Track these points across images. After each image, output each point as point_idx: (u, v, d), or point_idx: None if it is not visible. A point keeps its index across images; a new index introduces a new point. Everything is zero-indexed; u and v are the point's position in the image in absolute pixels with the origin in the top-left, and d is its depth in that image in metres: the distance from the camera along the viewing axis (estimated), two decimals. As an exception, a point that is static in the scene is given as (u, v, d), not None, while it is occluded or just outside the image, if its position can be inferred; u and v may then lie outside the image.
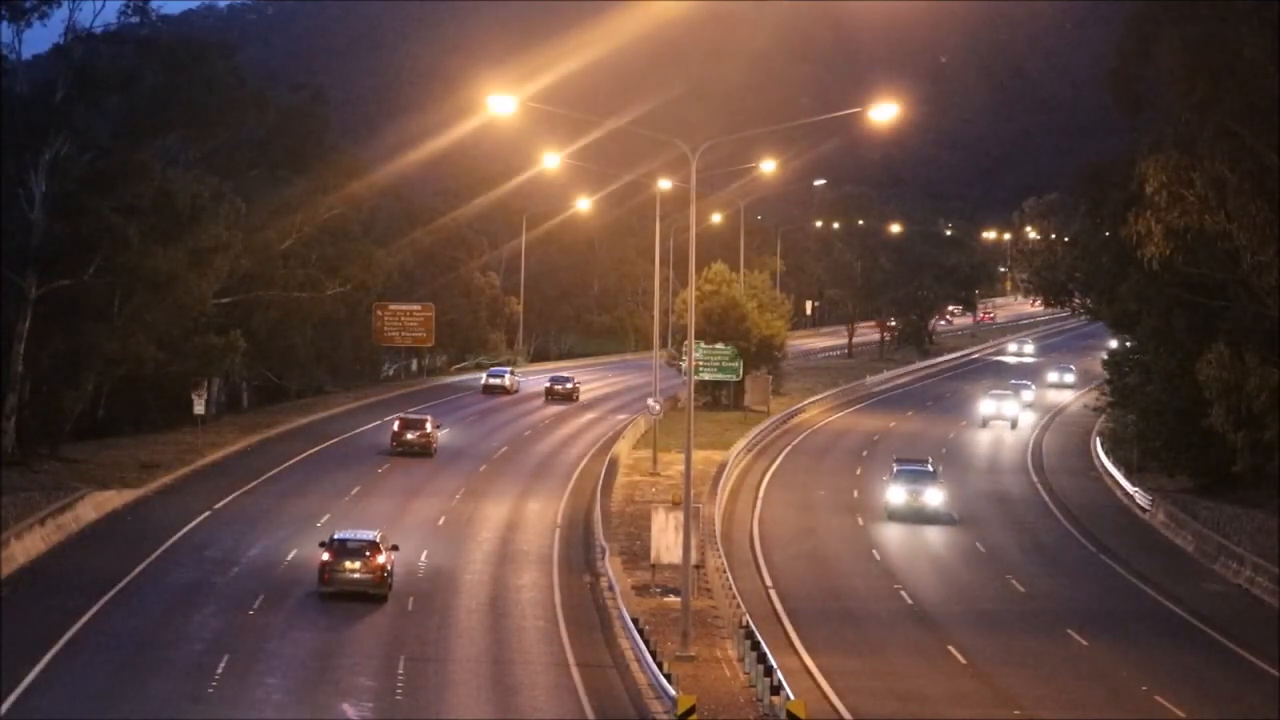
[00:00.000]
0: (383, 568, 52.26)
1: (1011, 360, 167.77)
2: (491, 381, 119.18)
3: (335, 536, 53.35)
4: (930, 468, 78.23)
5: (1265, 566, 61.44)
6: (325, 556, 52.30)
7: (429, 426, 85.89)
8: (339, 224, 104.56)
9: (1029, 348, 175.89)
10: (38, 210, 78.18)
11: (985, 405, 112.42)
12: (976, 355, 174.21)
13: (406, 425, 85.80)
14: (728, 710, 42.73)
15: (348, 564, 51.91)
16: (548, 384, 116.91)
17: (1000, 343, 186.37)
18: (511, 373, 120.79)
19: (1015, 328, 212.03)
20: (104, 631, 48.34)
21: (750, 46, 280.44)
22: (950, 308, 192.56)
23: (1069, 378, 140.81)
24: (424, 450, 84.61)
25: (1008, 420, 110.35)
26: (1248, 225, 61.74)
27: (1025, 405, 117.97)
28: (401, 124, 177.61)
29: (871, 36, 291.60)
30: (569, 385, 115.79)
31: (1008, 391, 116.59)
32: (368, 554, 52.11)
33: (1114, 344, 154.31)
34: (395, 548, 54.82)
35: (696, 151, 49.90)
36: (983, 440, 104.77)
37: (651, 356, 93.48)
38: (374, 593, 52.23)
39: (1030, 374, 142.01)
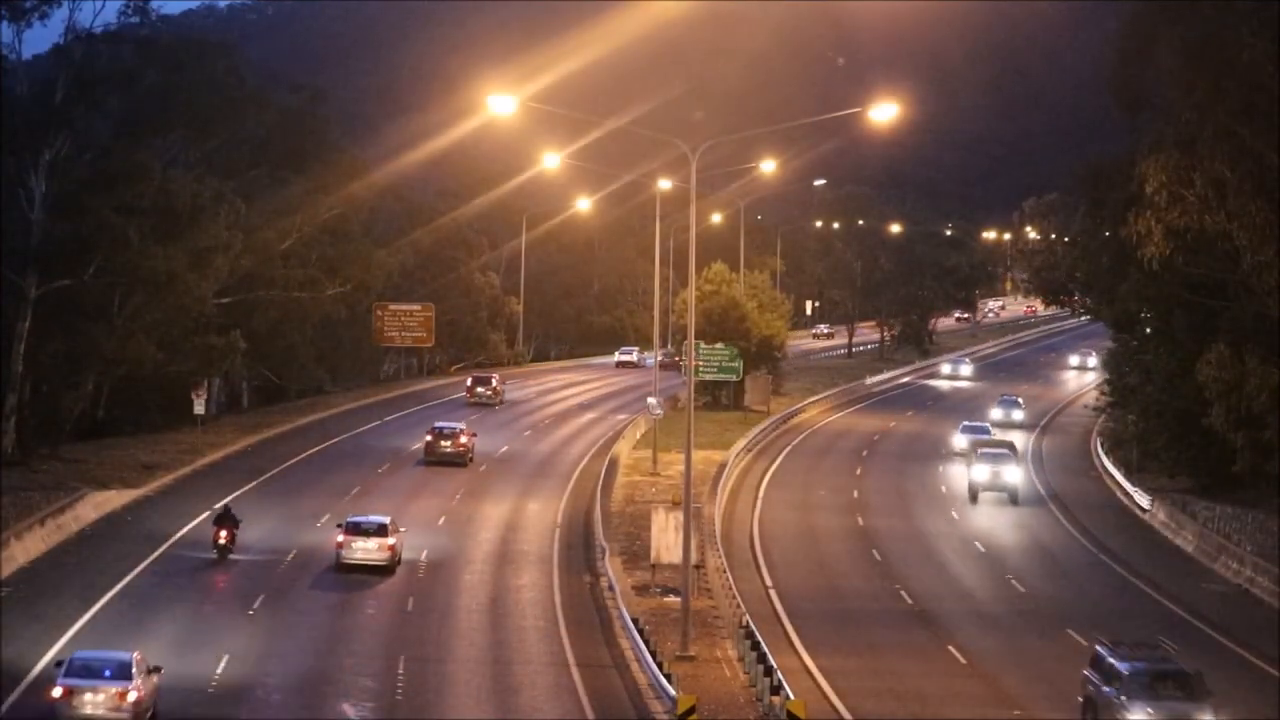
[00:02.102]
0: (392, 547, 57.70)
1: (945, 385, 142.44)
2: (622, 359, 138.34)
3: (350, 519, 59.01)
4: (1008, 450, 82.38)
5: (1265, 566, 61.46)
6: (340, 537, 57.83)
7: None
8: (339, 224, 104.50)
9: (965, 369, 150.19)
10: (38, 210, 78.17)
11: (977, 470, 79.99)
12: (907, 379, 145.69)
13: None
14: (728, 710, 42.75)
15: (360, 542, 57.32)
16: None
17: (948, 359, 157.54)
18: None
19: (1015, 327, 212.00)
20: (104, 631, 48.32)
21: (750, 46, 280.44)
22: (987, 304, 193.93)
23: (1017, 414, 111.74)
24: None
25: (1007, 490, 79.57)
26: (1248, 225, 61.71)
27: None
28: (401, 124, 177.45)
29: (871, 36, 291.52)
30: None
31: (1003, 450, 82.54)
32: (379, 534, 57.71)
33: (1075, 359, 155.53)
34: (401, 529, 59.90)
35: (696, 151, 49.91)
36: (997, 413, 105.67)
37: (652, 357, 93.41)
38: (383, 566, 57.29)
39: (969, 409, 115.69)
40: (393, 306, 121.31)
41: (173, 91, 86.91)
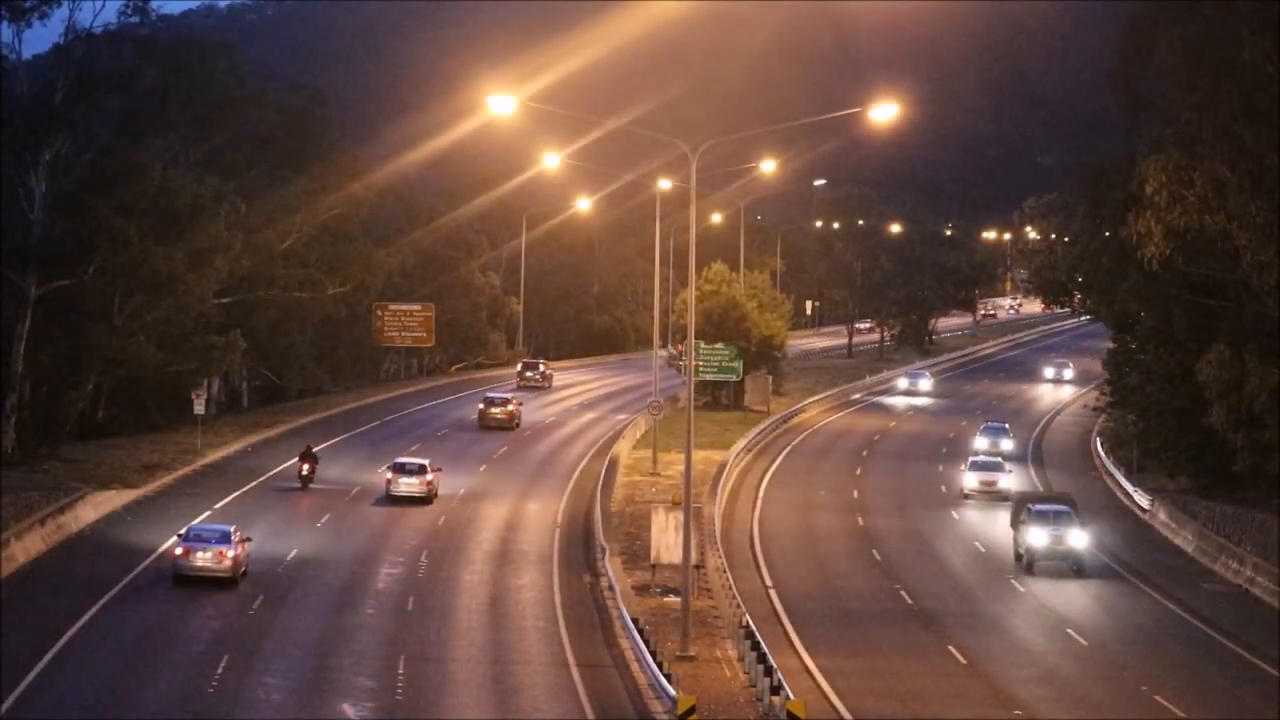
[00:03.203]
0: (430, 482, 71.40)
1: (900, 402, 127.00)
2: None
3: (396, 461, 73.29)
4: (1067, 506, 64.95)
5: (1265, 566, 61.42)
6: (389, 474, 71.62)
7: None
8: (339, 224, 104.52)
9: (924, 383, 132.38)
10: (38, 210, 78.16)
11: (1035, 535, 63.76)
12: (858, 396, 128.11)
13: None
14: (728, 710, 42.74)
15: (405, 479, 71.16)
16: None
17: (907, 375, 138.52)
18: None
19: (1016, 327, 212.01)
20: (104, 631, 48.36)
21: (750, 46, 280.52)
22: (997, 303, 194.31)
23: (1005, 443, 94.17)
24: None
25: (1070, 558, 63.98)
26: (1248, 225, 61.79)
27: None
28: (401, 124, 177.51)
29: (871, 36, 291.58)
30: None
31: (1063, 508, 66.10)
32: (420, 473, 71.45)
33: (1050, 370, 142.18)
34: (439, 469, 73.66)
35: (696, 151, 49.90)
36: (983, 441, 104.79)
37: (652, 356, 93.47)
38: (422, 497, 70.94)
39: (932, 441, 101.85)
40: (393, 306, 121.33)
41: (173, 91, 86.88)
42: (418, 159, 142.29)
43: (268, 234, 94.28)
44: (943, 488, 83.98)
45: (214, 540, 54.36)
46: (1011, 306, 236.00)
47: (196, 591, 53.12)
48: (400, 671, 45.29)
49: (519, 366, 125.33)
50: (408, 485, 70.95)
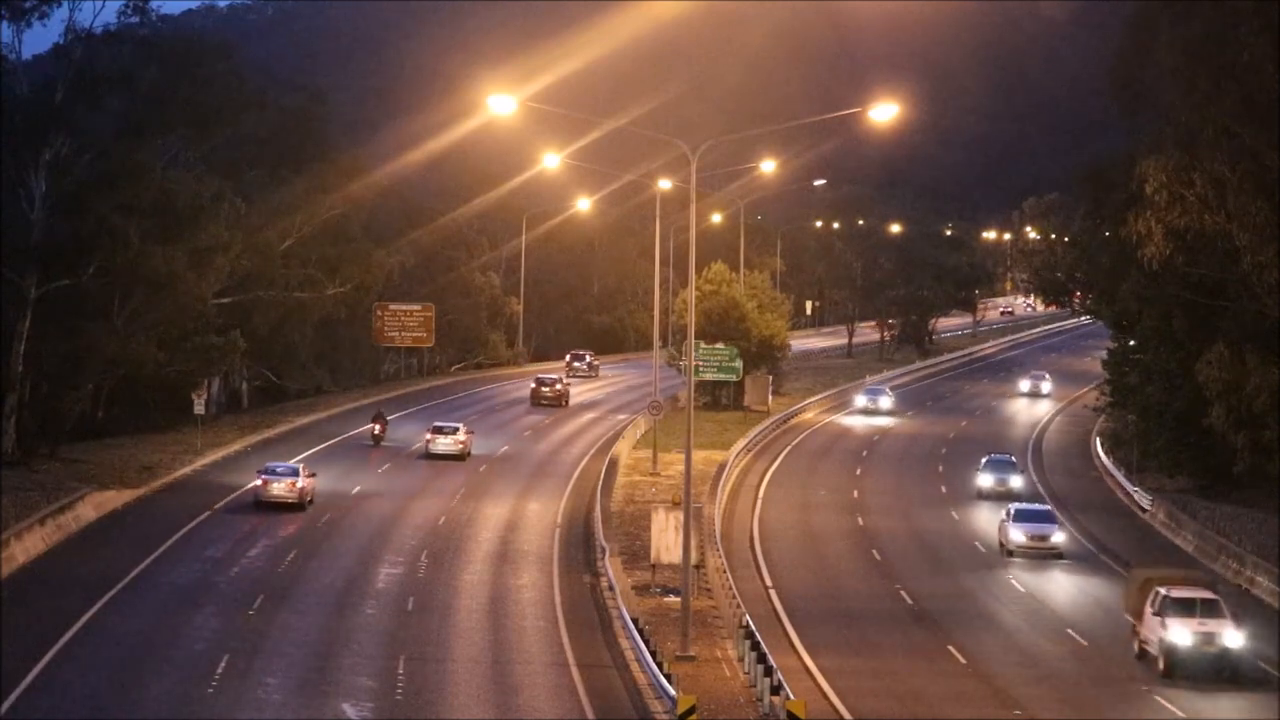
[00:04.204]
0: (463, 443, 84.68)
1: (858, 423, 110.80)
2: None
3: (435, 424, 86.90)
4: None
5: (1265, 566, 61.43)
6: (429, 435, 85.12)
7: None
8: (339, 224, 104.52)
9: (885, 401, 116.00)
10: (38, 210, 78.12)
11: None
12: (810, 415, 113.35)
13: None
14: (728, 710, 42.74)
15: (441, 439, 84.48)
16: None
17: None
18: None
19: (1015, 327, 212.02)
20: (104, 631, 48.38)
21: (750, 46, 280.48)
22: (1012, 301, 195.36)
23: (1015, 479, 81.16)
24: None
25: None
26: (1248, 225, 61.76)
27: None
28: (401, 124, 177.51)
29: (871, 36, 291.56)
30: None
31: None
32: (454, 434, 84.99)
33: (1025, 384, 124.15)
34: (471, 431, 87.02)
35: (696, 151, 49.91)
36: (983, 441, 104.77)
37: (651, 356, 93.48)
38: (457, 455, 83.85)
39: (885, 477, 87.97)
40: (393, 306, 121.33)
41: (173, 91, 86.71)
42: (417, 159, 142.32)
43: (268, 234, 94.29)
44: (942, 488, 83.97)
45: (284, 472, 70.23)
46: (1028, 304, 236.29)
47: (275, 512, 67.90)
48: (400, 671, 45.29)
49: (567, 358, 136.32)
50: (444, 445, 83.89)
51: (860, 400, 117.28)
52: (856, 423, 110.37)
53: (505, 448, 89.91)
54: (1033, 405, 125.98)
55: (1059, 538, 67.26)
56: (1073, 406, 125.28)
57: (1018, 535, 66.36)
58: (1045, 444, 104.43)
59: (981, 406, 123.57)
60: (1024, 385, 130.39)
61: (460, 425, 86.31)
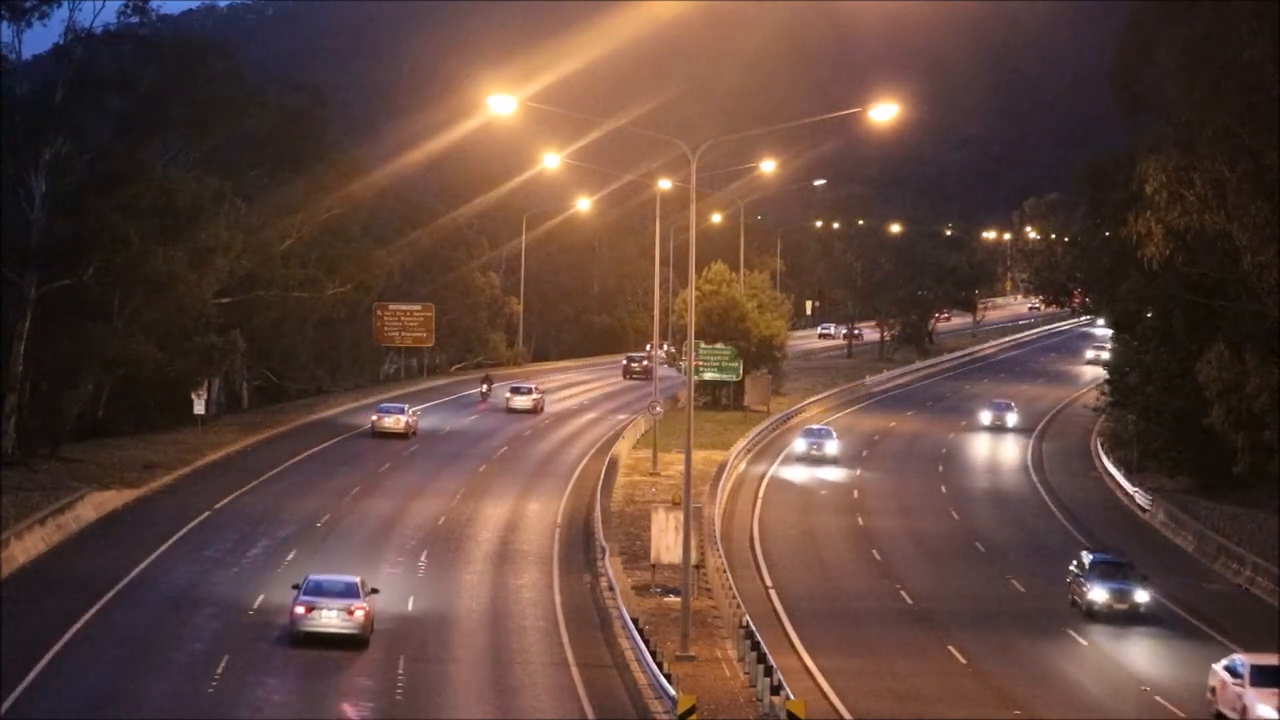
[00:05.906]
0: (537, 400, 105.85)
1: (797, 477, 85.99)
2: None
3: (514, 386, 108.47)
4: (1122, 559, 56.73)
5: (1265, 566, 61.45)
6: (508, 394, 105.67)
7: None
8: (339, 224, 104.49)
9: (830, 445, 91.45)
10: (38, 210, 78.14)
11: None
12: (793, 415, 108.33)
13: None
14: (728, 710, 42.74)
15: (519, 398, 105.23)
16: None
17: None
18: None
19: (1015, 328, 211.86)
20: (104, 631, 48.38)
21: (750, 47, 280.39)
22: (1033, 301, 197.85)
23: (1140, 595, 57.71)
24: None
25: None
26: (1248, 225, 61.75)
27: None
28: (401, 124, 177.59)
29: (871, 36, 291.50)
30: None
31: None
32: (529, 393, 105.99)
33: (987, 415, 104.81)
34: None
35: (696, 151, 49.93)
36: (983, 441, 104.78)
37: (651, 356, 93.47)
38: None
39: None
40: (393, 306, 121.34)
41: (173, 91, 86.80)
42: (417, 159, 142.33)
43: (268, 234, 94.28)
44: (942, 488, 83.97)
45: (396, 411, 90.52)
46: (1035, 305, 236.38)
47: (383, 441, 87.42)
48: (400, 671, 45.30)
49: (624, 360, 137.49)
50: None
51: (800, 446, 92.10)
52: (796, 476, 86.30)
53: (505, 448, 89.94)
54: (1036, 403, 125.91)
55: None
56: (1071, 407, 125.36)
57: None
58: (1045, 443, 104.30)
59: (981, 407, 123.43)
60: (985, 417, 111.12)
61: (533, 385, 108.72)
